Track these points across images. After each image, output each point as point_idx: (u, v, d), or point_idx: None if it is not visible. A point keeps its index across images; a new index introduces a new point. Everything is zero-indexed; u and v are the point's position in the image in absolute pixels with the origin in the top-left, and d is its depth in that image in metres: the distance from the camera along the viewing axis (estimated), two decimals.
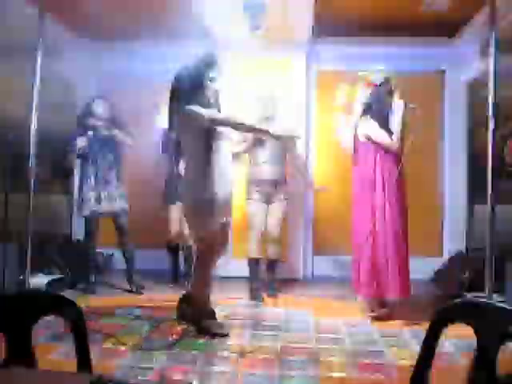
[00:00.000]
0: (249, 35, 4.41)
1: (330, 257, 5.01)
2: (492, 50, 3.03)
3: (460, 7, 4.32)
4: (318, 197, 5.02)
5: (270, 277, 4.25)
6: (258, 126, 3.48)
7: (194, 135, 2.99)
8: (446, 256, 4.92)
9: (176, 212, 4.20)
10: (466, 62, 4.92)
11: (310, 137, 5.22)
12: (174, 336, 3.01)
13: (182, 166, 3.92)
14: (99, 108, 4.18)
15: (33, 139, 3.34)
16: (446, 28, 4.80)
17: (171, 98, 3.08)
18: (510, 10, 3.80)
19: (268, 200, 4.14)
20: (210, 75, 3.04)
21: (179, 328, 3.15)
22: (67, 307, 1.26)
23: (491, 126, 2.98)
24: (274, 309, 3.75)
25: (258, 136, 3.95)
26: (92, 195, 4.08)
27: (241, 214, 4.52)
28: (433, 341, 1.45)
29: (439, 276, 4.64)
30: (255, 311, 3.69)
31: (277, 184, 4.13)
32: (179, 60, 4.41)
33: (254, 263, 4.18)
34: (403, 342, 2.99)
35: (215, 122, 2.98)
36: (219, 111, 3.10)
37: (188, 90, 2.98)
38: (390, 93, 3.52)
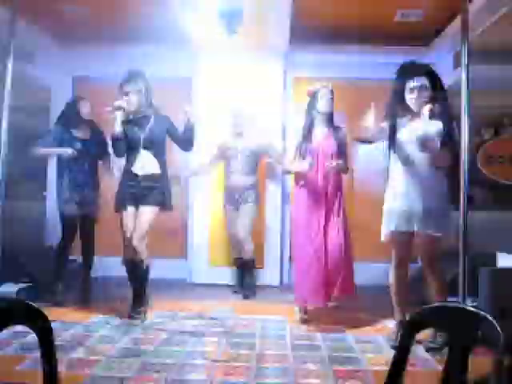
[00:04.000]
0: (225, 41, 4.39)
1: None
2: (464, 59, 3.10)
3: (434, 17, 4.44)
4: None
5: (246, 279, 4.48)
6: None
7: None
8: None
9: (131, 218, 3.52)
10: (440, 71, 4.99)
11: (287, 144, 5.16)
12: (148, 343, 2.95)
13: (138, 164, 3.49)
14: (85, 108, 4.05)
15: (4, 139, 3.20)
16: (421, 37, 4.90)
17: None
18: (479, 24, 3.91)
19: (238, 205, 4.41)
20: (411, 86, 2.89)
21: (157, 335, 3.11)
22: (33, 316, 1.21)
23: (464, 134, 3.02)
24: (250, 316, 3.72)
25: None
26: (69, 197, 3.97)
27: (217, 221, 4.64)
28: (406, 346, 1.46)
29: (413, 281, 4.65)
30: (231, 318, 3.65)
31: (246, 190, 4.39)
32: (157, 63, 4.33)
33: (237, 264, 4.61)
34: (378, 348, 3.00)
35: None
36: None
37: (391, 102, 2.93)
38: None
